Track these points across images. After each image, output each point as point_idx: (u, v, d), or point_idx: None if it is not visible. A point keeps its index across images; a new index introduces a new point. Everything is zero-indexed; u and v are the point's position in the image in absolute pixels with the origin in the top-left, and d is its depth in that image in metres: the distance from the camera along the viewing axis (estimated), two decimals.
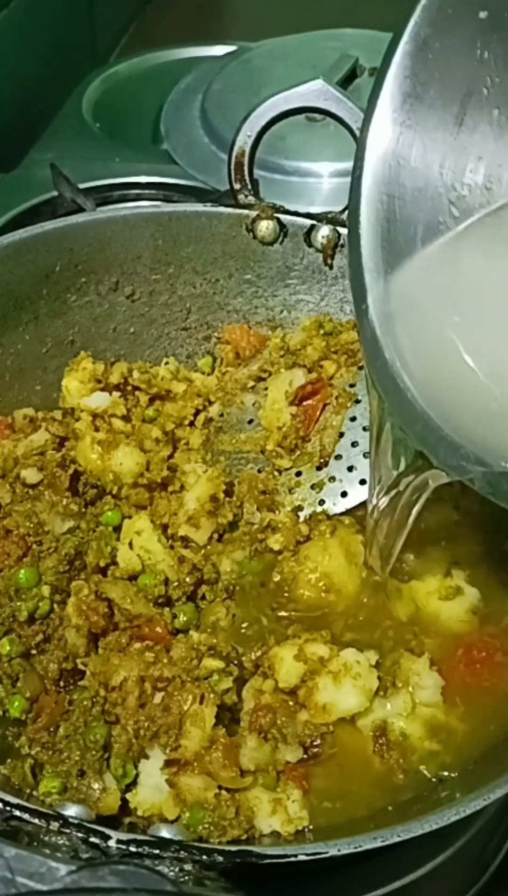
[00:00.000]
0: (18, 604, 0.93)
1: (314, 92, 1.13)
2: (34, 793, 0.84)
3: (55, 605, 0.95)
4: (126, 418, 1.12)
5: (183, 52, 2.09)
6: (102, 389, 1.12)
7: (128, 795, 0.85)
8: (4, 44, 1.84)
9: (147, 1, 2.54)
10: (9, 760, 0.88)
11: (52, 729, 0.90)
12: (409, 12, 0.80)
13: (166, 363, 1.22)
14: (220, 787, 0.84)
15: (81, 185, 1.50)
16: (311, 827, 0.84)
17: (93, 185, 1.62)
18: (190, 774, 0.84)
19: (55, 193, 1.54)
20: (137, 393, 1.15)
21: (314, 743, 0.88)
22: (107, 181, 1.67)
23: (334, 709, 0.88)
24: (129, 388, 1.15)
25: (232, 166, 1.18)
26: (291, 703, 0.90)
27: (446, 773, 0.87)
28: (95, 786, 0.84)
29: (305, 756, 0.88)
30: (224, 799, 0.83)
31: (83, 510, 1.03)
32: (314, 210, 1.23)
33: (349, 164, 1.48)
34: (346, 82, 1.61)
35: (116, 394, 1.13)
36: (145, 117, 1.90)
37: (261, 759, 0.86)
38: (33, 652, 0.94)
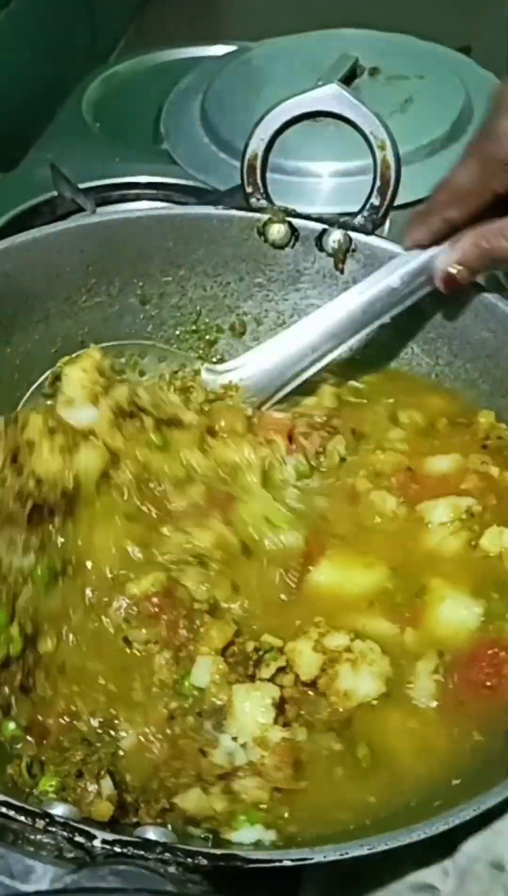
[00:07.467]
0: None
1: (329, 96, 1.13)
2: (34, 791, 0.84)
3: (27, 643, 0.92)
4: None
5: (183, 52, 2.09)
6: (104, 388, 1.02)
7: None
8: (4, 44, 1.84)
9: (147, 1, 2.53)
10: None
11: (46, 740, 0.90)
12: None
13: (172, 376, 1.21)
14: None
15: (81, 185, 1.50)
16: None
17: (93, 185, 1.62)
18: None
19: (55, 193, 1.54)
20: (142, 415, 1.04)
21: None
22: (107, 181, 1.67)
23: (354, 694, 0.91)
24: (132, 407, 1.04)
25: (245, 170, 1.18)
26: (311, 694, 0.92)
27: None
28: (91, 788, 0.83)
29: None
30: None
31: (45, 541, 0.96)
32: (314, 210, 1.23)
33: (349, 164, 1.50)
34: (346, 82, 1.61)
35: (107, 412, 1.02)
36: (145, 117, 1.89)
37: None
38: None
